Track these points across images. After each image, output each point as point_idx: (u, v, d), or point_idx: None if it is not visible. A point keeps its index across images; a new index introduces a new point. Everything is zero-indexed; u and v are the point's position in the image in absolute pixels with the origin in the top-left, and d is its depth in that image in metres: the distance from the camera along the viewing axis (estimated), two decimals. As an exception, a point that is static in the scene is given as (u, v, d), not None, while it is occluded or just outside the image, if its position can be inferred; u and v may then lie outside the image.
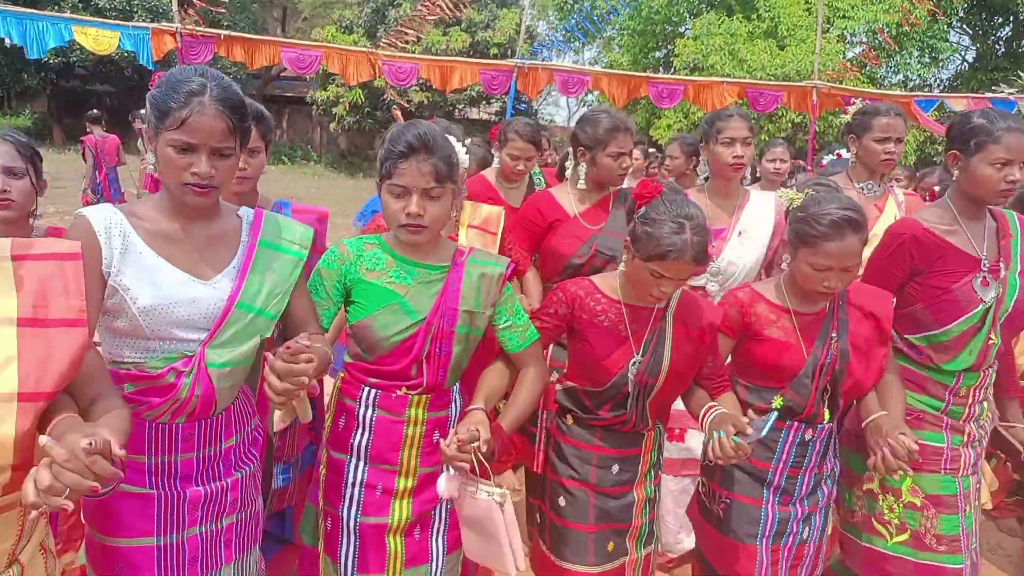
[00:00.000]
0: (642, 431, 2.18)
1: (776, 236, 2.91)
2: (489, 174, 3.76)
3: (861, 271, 2.33)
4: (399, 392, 1.93)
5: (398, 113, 10.03)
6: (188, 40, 9.04)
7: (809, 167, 10.51)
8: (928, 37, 16.42)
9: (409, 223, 1.80)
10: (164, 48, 9.06)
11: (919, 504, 2.32)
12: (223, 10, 12.77)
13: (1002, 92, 10.91)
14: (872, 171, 3.02)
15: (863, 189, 3.01)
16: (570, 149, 2.89)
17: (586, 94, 13.29)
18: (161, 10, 17.14)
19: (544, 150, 4.43)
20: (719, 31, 15.94)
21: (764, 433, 1.87)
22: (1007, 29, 18.84)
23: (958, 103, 10.73)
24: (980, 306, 2.26)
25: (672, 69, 16.67)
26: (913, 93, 13.32)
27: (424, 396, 1.94)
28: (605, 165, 2.72)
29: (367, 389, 1.95)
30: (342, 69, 9.71)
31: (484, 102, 21.26)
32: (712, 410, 2.04)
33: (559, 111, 27.00)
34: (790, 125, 14.88)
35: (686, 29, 18.23)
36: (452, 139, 1.98)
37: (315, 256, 1.89)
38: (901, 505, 2.35)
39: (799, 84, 10.60)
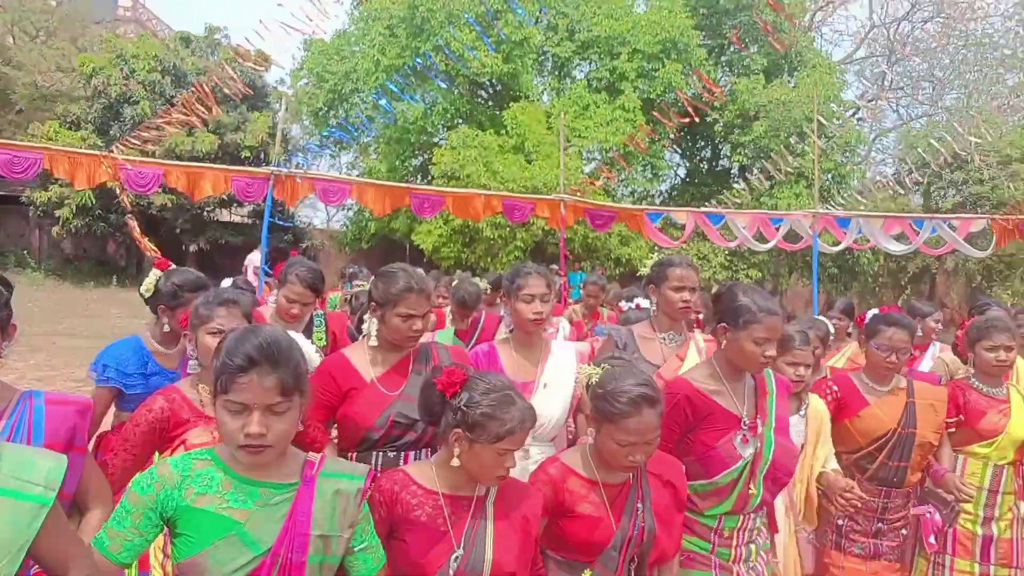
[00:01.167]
0: None
1: (579, 385, 2.93)
2: (265, 311, 3.53)
3: None
4: None
5: (133, 223, 9.10)
6: None
7: (562, 274, 11.32)
8: (649, 156, 18.83)
9: (249, 444, 1.55)
10: None
11: None
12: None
13: (712, 207, 12.76)
14: (672, 319, 3.16)
15: (664, 339, 3.13)
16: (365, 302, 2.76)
17: (347, 201, 13.18)
18: None
19: (322, 295, 4.29)
20: (474, 143, 16.90)
21: None
22: (708, 151, 22.31)
23: (680, 215, 12.31)
24: (740, 461, 2.46)
25: (430, 177, 17.24)
26: (643, 206, 15.04)
27: None
28: (394, 326, 2.57)
29: None
30: (69, 173, 8.64)
31: (236, 204, 20.25)
32: None
33: (317, 214, 26.65)
34: (541, 231, 15.97)
35: (442, 139, 19.09)
36: (299, 339, 1.77)
37: (75, 456, 1.56)
38: None
39: (548, 197, 11.41)
